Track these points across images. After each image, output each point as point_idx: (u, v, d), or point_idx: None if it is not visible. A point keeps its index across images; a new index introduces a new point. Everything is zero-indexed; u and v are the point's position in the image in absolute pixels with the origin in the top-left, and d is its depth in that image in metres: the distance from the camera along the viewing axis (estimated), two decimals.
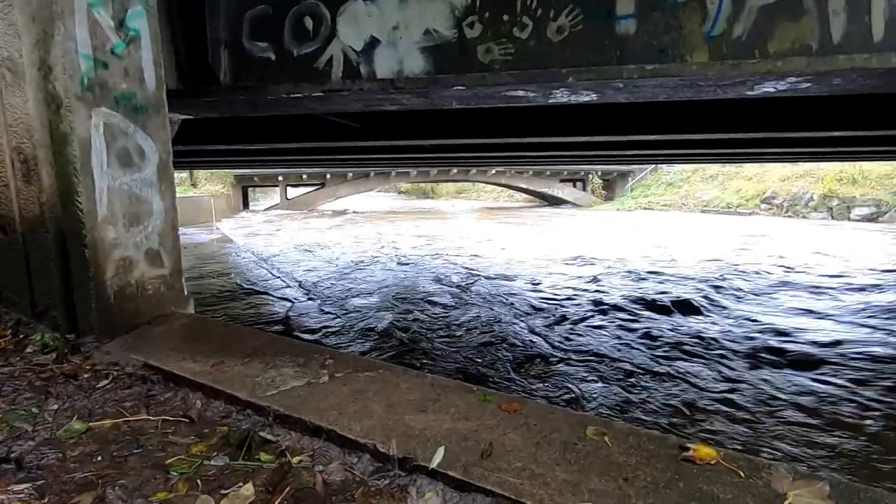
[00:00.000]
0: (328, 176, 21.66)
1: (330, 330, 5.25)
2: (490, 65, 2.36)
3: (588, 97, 2.61)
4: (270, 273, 8.54)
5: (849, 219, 15.51)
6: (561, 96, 2.58)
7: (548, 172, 22.72)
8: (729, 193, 19.58)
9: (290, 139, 5.54)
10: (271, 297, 6.76)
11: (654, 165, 21.76)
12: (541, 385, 3.86)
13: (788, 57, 2.08)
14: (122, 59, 1.90)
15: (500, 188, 27.65)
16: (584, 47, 2.27)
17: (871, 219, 15.05)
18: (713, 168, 20.78)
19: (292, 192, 23.34)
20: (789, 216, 16.98)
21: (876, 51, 1.98)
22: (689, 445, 1.12)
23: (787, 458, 2.85)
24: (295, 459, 1.16)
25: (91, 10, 1.81)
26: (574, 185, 24.35)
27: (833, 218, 15.91)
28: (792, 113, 4.22)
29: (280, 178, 21.97)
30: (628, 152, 7.51)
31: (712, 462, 1.07)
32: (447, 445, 1.12)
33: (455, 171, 21.04)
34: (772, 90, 2.38)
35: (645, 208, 21.38)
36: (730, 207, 18.91)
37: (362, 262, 9.36)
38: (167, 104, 2.13)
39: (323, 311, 5.95)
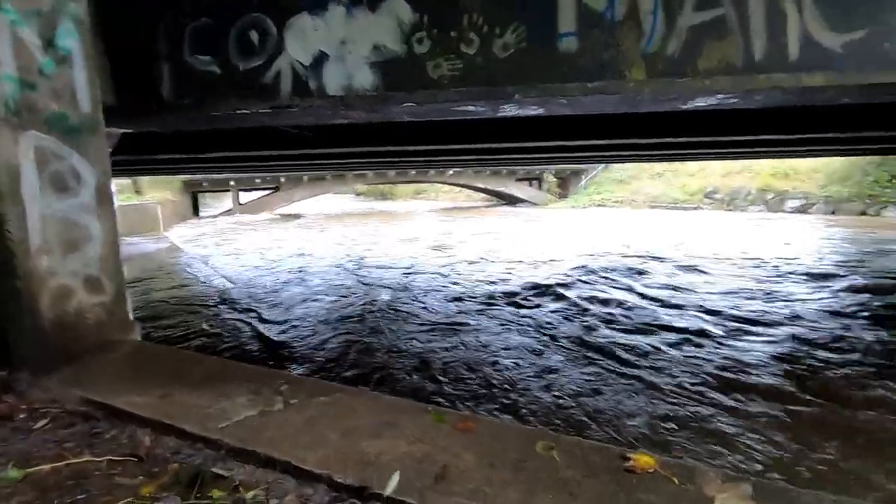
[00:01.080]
0: (282, 180, 21.15)
1: (286, 343, 5.16)
2: (439, 80, 2.39)
3: (535, 111, 2.69)
4: (218, 281, 8.31)
5: (783, 210, 16.56)
6: (509, 110, 2.65)
7: (504, 172, 23.09)
8: (675, 189, 20.49)
9: (241, 147, 5.40)
10: (222, 309, 6.57)
11: (604, 164, 22.49)
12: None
13: (716, 75, 2.22)
14: (51, 79, 1.81)
15: (458, 188, 27.84)
16: (529, 64, 2.34)
17: (801, 210, 16.13)
18: (660, 166, 21.67)
19: (245, 197, 22.63)
20: (730, 209, 17.96)
21: (791, 70, 2.15)
22: (629, 455, 1.19)
23: None
24: (249, 494, 1.15)
25: (15, 29, 1.72)
26: (530, 184, 24.86)
27: (769, 210, 16.94)
28: (726, 118, 4.49)
29: (232, 183, 21.26)
30: (579, 154, 7.76)
31: (650, 470, 1.15)
32: (402, 471, 1.14)
33: (413, 172, 21.03)
34: (703, 104, 2.54)
35: (598, 205, 22.08)
36: (676, 202, 19.80)
37: (309, 267, 9.29)
38: (105, 121, 2.05)
39: (276, 322, 5.83)
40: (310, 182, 21.64)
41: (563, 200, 24.00)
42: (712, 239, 11.32)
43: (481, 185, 24.16)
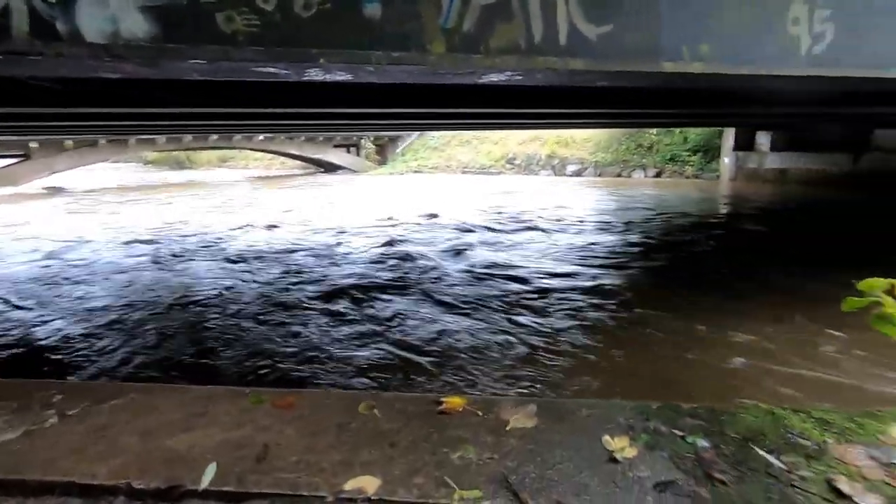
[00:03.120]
0: (33, 145, 16.78)
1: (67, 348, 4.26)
2: (234, 36, 2.16)
3: (344, 77, 2.64)
4: None
5: (565, 174, 19.51)
6: (316, 75, 2.55)
7: (321, 139, 22.21)
8: (482, 156, 22.41)
9: None
10: None
11: (419, 132, 23.31)
12: None
13: (505, 54, 2.47)
14: None
15: (271, 155, 25.86)
16: (335, 28, 2.26)
17: (578, 173, 19.23)
18: (468, 134, 23.38)
19: None
20: (527, 174, 20.45)
21: (561, 55, 2.51)
22: (442, 399, 1.33)
23: None
24: None
25: None
26: (348, 151, 24.45)
27: (556, 174, 19.78)
28: (517, 93, 5.04)
29: None
30: (392, 121, 7.89)
31: (460, 409, 1.31)
32: (219, 459, 1.09)
33: (215, 137, 18.74)
34: (496, 80, 2.81)
35: (416, 171, 22.92)
36: (483, 168, 21.72)
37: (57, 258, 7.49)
38: None
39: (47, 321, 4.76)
40: (77, 148, 17.63)
41: (382, 167, 24.28)
42: (530, 199, 12.75)
43: (296, 152, 22.87)
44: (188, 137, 18.62)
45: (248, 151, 26.39)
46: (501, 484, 1.03)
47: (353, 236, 8.02)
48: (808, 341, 3.54)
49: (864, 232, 7.71)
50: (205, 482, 1.03)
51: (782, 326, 3.79)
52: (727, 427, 1.21)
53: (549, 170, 20.14)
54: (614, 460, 1.10)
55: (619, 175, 18.12)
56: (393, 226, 8.54)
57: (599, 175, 18.58)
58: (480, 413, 1.28)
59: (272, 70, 2.39)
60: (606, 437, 1.17)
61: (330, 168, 23.81)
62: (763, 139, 14.43)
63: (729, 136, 15.21)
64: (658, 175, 17.31)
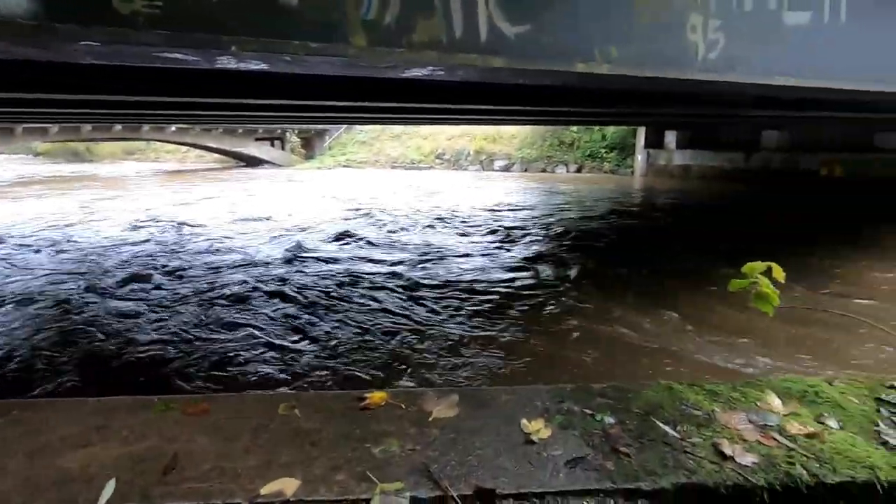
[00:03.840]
0: None
1: None
2: (133, 18, 1.99)
3: (259, 66, 2.53)
4: None
5: (493, 169, 19.96)
6: (228, 63, 2.42)
7: (240, 131, 21.05)
8: (411, 151, 22.36)
9: None
10: None
11: (346, 126, 22.80)
12: None
13: (426, 49, 2.48)
14: None
15: (186, 147, 24.15)
16: (248, 14, 2.15)
17: (505, 169, 19.76)
18: (397, 128, 23.22)
19: None
20: (456, 169, 20.68)
21: (481, 52, 2.56)
22: (365, 395, 1.33)
23: None
24: None
25: None
26: (272, 144, 23.38)
27: (484, 169, 20.18)
28: (444, 88, 5.07)
29: None
30: (317, 114, 7.66)
31: (383, 404, 1.31)
32: (120, 475, 1.01)
33: (119, 127, 17.19)
34: (419, 74, 2.82)
35: (344, 166, 22.43)
36: (413, 163, 21.68)
37: None
38: None
39: None
40: None
41: (309, 162, 23.51)
42: (465, 194, 12.99)
43: (214, 145, 21.52)
44: (87, 127, 16.94)
45: (160, 144, 24.48)
46: (423, 474, 1.04)
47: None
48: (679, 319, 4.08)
49: (743, 223, 8.75)
50: (102, 501, 0.95)
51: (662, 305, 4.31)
52: (631, 403, 1.31)
53: (478, 165, 20.50)
54: (531, 442, 1.16)
55: (543, 170, 18.83)
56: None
57: (526, 170, 19.20)
58: (404, 406, 1.29)
59: (179, 56, 2.24)
60: (524, 421, 1.22)
61: (252, 162, 22.67)
62: (670, 138, 15.62)
63: (641, 134, 16.30)
64: (579, 170, 18.20)
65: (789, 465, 1.07)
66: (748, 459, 1.09)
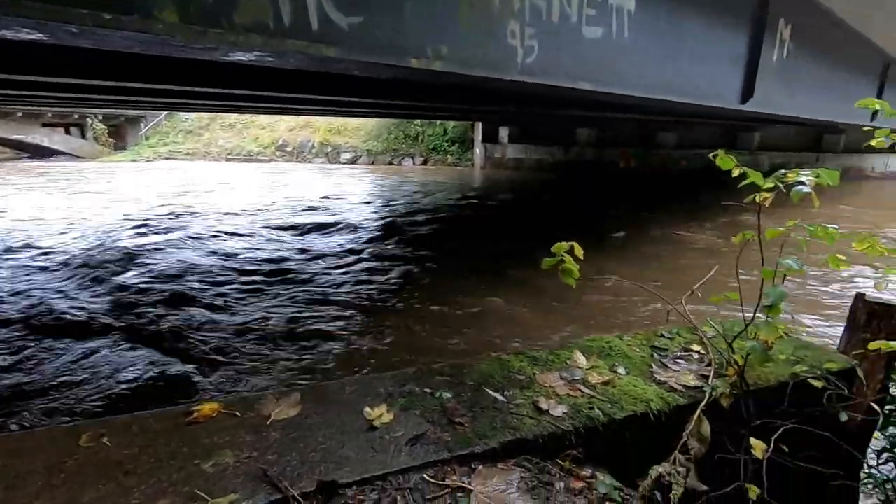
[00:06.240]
0: None
1: None
2: None
3: (35, 36, 2.08)
4: None
5: (339, 162, 19.52)
6: None
7: (20, 114, 17.16)
8: (248, 142, 20.69)
9: None
10: None
11: (168, 112, 20.13)
12: None
13: (251, 33, 2.32)
14: None
15: None
16: None
17: (352, 161, 19.48)
18: (231, 116, 21.25)
19: None
20: (300, 161, 19.74)
21: (313, 40, 2.48)
22: (193, 410, 1.22)
23: None
24: None
25: None
26: (68, 132, 19.54)
27: (329, 162, 19.62)
28: (276, 75, 4.78)
29: None
30: (123, 97, 6.61)
31: (214, 415, 1.21)
32: None
33: None
34: (244, 59, 2.61)
35: (166, 158, 19.82)
36: (251, 155, 20.10)
37: None
38: None
39: None
40: None
41: (121, 153, 20.22)
42: (316, 186, 12.36)
43: None
44: None
45: None
46: (261, 480, 1.00)
47: None
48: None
49: (556, 210, 10.14)
50: None
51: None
52: (467, 377, 1.42)
53: (323, 157, 19.87)
54: (373, 428, 1.19)
55: (390, 163, 19.03)
56: None
57: (373, 163, 19.19)
58: (239, 413, 1.22)
59: None
60: (367, 409, 1.25)
61: (41, 153, 18.65)
62: (504, 133, 17.04)
63: (479, 129, 17.47)
64: (425, 163, 18.81)
65: (590, 409, 1.28)
66: (559, 410, 1.27)
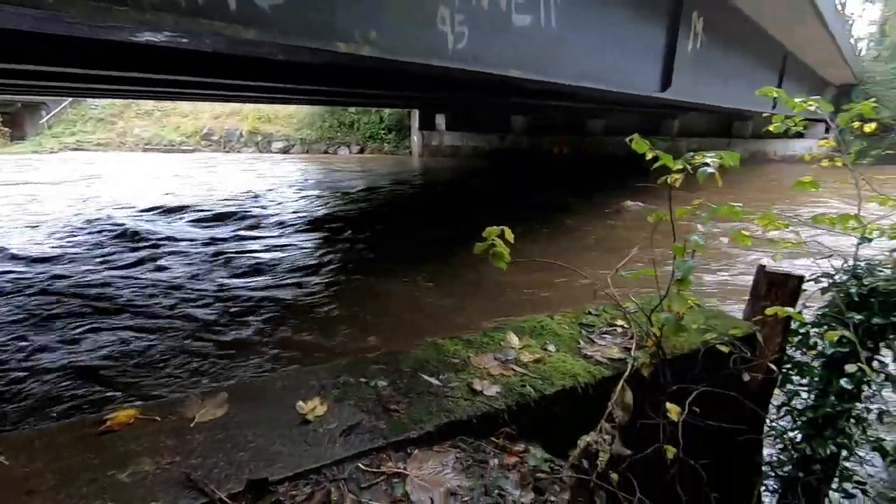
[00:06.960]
0: None
1: None
2: None
3: None
4: None
5: (271, 151, 18.72)
6: None
7: None
8: (169, 130, 19.34)
9: None
10: None
11: (73, 99, 18.35)
12: None
13: (160, 11, 2.15)
14: None
15: None
16: None
17: (285, 150, 18.74)
18: (149, 103, 19.73)
19: None
20: (227, 151, 18.71)
21: (230, 21, 2.34)
22: (107, 418, 1.13)
23: None
24: None
25: None
26: None
27: (260, 151, 18.76)
28: (193, 58, 4.47)
29: None
30: (25, 81, 5.95)
31: (131, 421, 1.14)
32: None
33: None
34: (155, 40, 2.42)
35: (74, 148, 18.11)
36: (172, 145, 18.81)
37: None
38: None
39: None
40: None
41: (19, 143, 18.22)
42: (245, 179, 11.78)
43: None
44: None
45: None
46: (184, 485, 0.95)
47: None
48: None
49: (499, 193, 10.40)
50: None
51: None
52: (402, 364, 1.42)
53: (253, 146, 18.97)
54: (306, 422, 1.16)
55: (326, 152, 18.50)
56: None
57: (307, 152, 18.57)
58: (159, 418, 1.15)
59: None
60: (300, 403, 1.21)
61: None
62: (440, 120, 17.04)
63: (415, 117, 17.35)
64: (361, 151, 18.45)
65: (522, 387, 1.32)
66: (493, 390, 1.30)
